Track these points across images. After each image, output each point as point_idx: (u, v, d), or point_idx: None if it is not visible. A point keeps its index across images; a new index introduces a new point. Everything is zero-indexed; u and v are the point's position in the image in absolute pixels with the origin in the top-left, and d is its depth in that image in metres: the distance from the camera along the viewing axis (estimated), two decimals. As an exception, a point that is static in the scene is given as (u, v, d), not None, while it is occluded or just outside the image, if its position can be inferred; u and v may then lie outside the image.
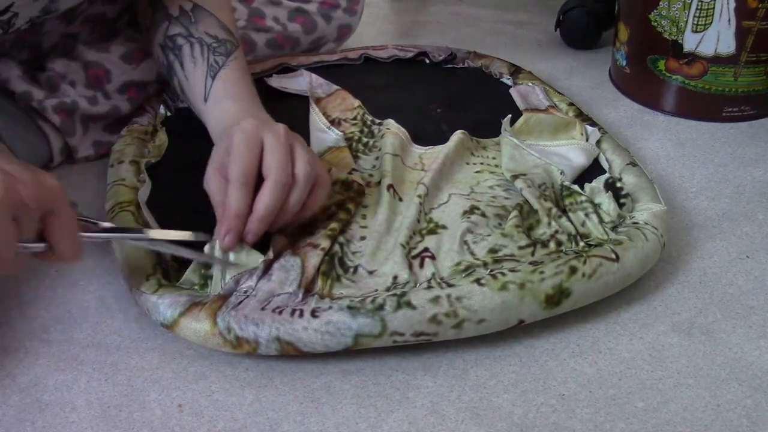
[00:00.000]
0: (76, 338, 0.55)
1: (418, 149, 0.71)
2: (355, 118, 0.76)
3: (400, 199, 0.63)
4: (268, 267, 0.54)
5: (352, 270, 0.55)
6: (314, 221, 0.59)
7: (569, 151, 0.70)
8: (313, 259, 0.54)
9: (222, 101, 0.64)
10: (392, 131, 0.71)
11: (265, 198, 0.53)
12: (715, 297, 0.58)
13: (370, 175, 0.67)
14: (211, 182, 0.55)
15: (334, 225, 0.58)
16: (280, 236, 0.57)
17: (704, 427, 0.47)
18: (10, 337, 0.55)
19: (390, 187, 0.63)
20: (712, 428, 0.47)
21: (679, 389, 0.50)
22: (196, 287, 0.54)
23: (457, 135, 0.70)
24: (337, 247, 0.57)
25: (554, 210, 0.60)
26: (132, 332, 0.55)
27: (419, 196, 0.61)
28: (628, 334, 0.55)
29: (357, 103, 0.78)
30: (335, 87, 0.81)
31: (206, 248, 0.55)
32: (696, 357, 0.53)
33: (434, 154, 0.68)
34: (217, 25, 0.69)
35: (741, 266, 0.61)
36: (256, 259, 0.54)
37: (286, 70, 0.86)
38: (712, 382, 0.51)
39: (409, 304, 0.50)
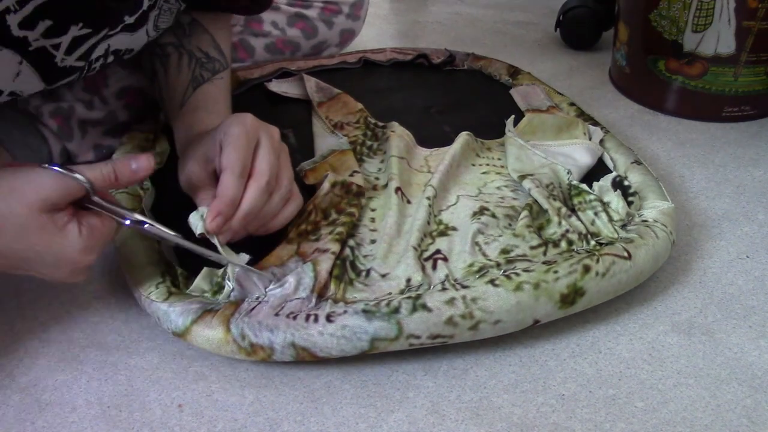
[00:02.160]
0: (76, 338, 0.55)
1: (423, 151, 0.71)
2: (357, 122, 0.76)
3: (409, 202, 0.63)
4: (276, 275, 0.54)
5: (364, 273, 0.55)
6: (317, 227, 0.59)
7: (574, 151, 0.70)
8: (325, 263, 0.54)
9: (197, 111, 0.64)
10: (397, 134, 0.71)
11: (252, 196, 0.53)
12: (715, 297, 0.58)
13: (376, 178, 0.66)
14: (197, 172, 0.55)
15: (340, 229, 0.58)
16: (286, 244, 0.57)
17: (704, 427, 0.47)
18: (10, 337, 0.55)
19: (398, 189, 0.63)
20: (712, 428, 0.47)
21: (679, 389, 0.50)
22: (206, 294, 0.54)
23: (463, 136, 0.70)
24: (347, 251, 0.57)
25: (564, 209, 0.60)
26: (132, 332, 0.55)
27: (428, 198, 0.61)
28: (628, 334, 0.55)
29: (359, 106, 0.78)
30: (336, 91, 0.81)
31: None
32: (696, 357, 0.53)
33: (440, 156, 0.68)
34: (211, 44, 0.69)
35: (741, 266, 0.61)
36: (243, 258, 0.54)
37: (285, 74, 0.86)
38: (712, 382, 0.51)
39: (424, 307, 0.50)
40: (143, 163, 0.51)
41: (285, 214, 0.57)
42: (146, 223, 0.51)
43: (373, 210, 0.62)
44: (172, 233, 0.52)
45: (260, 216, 0.54)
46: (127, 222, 0.51)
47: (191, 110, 0.64)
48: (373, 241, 0.59)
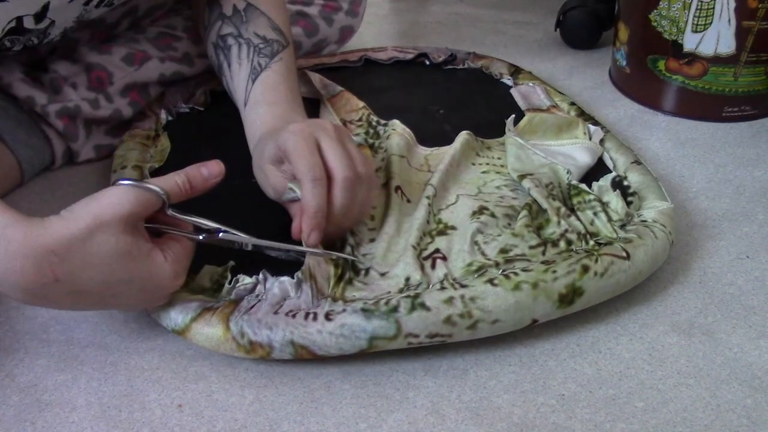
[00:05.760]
0: (76, 338, 0.55)
1: (423, 150, 0.71)
2: (360, 120, 0.76)
3: (408, 201, 0.63)
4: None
5: (363, 272, 0.55)
6: None
7: (574, 150, 0.70)
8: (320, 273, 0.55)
9: (257, 107, 0.64)
10: (398, 132, 0.71)
11: (338, 195, 0.53)
12: (715, 297, 0.58)
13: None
14: (272, 176, 0.57)
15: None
16: None
17: (704, 427, 0.47)
18: (10, 337, 0.55)
19: (398, 189, 0.63)
20: (712, 428, 0.47)
21: (679, 389, 0.50)
22: (207, 292, 0.54)
23: (463, 136, 0.70)
24: (348, 250, 0.57)
25: (563, 209, 0.60)
26: (132, 332, 0.55)
27: (428, 197, 0.61)
28: (628, 334, 0.55)
29: (361, 104, 0.78)
30: (339, 88, 0.81)
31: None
32: (696, 357, 0.53)
33: (440, 155, 0.68)
34: (268, 25, 0.69)
35: (741, 266, 0.61)
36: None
37: None
38: (712, 382, 0.51)
39: (423, 306, 0.50)
40: (214, 169, 0.51)
41: (369, 200, 0.58)
42: (221, 230, 0.51)
43: (373, 208, 0.62)
44: (246, 236, 0.52)
45: (352, 210, 0.55)
46: (202, 237, 0.51)
47: (253, 106, 0.65)
48: (372, 240, 0.59)
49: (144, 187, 0.47)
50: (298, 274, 0.53)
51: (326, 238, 0.55)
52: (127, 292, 0.48)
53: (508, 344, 0.53)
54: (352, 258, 0.55)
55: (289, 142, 0.54)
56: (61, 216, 0.45)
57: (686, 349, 0.53)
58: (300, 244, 0.54)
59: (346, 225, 0.56)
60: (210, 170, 0.51)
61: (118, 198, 0.46)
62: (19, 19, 0.60)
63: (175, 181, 0.49)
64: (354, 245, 0.58)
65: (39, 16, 0.61)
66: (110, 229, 0.45)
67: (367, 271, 0.55)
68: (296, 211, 0.56)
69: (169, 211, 0.49)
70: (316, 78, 0.82)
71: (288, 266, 0.54)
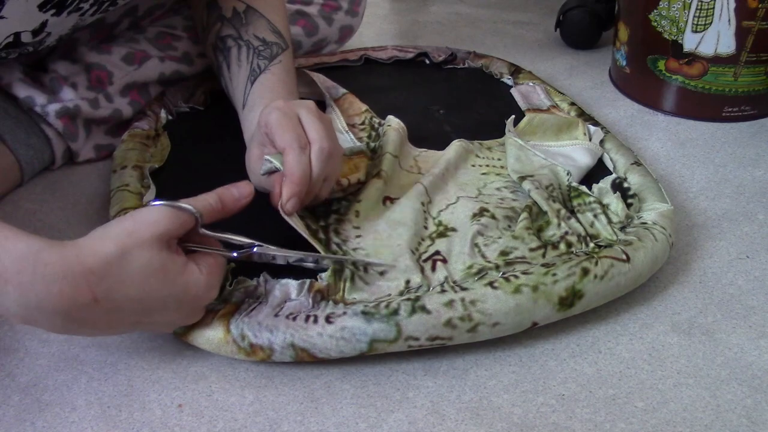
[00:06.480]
0: (76, 338, 0.55)
1: (413, 150, 0.71)
2: (363, 123, 0.76)
3: (395, 200, 0.63)
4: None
5: (362, 268, 0.55)
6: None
7: (574, 152, 0.70)
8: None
9: (255, 108, 0.65)
10: (393, 127, 0.71)
11: (318, 165, 0.56)
12: (715, 297, 0.58)
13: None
14: (253, 159, 0.59)
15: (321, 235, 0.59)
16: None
17: (704, 427, 0.47)
18: (10, 337, 0.55)
19: (386, 199, 0.63)
20: (712, 428, 0.47)
21: (679, 389, 0.50)
22: None
23: (455, 144, 0.70)
24: (334, 247, 0.57)
25: (563, 211, 0.60)
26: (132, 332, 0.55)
27: (422, 204, 0.61)
28: (628, 334, 0.55)
29: (364, 107, 0.78)
30: (342, 90, 0.80)
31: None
32: (696, 357, 0.53)
33: (429, 158, 0.68)
34: (267, 28, 0.70)
35: (741, 266, 0.61)
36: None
37: None
38: (712, 382, 0.51)
39: (423, 309, 0.50)
40: (245, 190, 0.52)
41: (335, 173, 0.60)
42: (256, 245, 0.51)
43: (358, 201, 0.62)
44: (281, 250, 0.52)
45: (330, 180, 0.59)
46: (236, 254, 0.51)
47: (251, 108, 0.66)
48: (358, 237, 0.59)
49: (177, 206, 0.48)
50: (317, 279, 0.53)
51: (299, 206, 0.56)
52: (164, 309, 0.48)
53: (508, 344, 0.54)
54: (381, 264, 0.55)
55: (272, 116, 0.57)
56: (94, 236, 0.45)
57: (686, 349, 0.53)
58: (279, 216, 0.55)
59: (321, 196, 0.59)
60: (240, 191, 0.52)
61: (153, 217, 0.46)
62: (17, 35, 0.61)
63: (207, 201, 0.50)
64: (341, 243, 0.58)
65: (36, 31, 0.62)
66: (145, 246, 0.45)
67: (366, 267, 0.55)
68: (275, 182, 0.57)
69: (202, 231, 0.50)
70: (320, 79, 0.82)
71: (290, 269, 0.54)
